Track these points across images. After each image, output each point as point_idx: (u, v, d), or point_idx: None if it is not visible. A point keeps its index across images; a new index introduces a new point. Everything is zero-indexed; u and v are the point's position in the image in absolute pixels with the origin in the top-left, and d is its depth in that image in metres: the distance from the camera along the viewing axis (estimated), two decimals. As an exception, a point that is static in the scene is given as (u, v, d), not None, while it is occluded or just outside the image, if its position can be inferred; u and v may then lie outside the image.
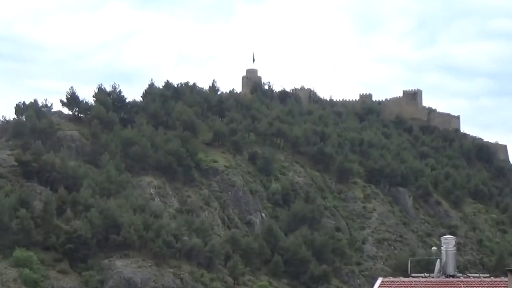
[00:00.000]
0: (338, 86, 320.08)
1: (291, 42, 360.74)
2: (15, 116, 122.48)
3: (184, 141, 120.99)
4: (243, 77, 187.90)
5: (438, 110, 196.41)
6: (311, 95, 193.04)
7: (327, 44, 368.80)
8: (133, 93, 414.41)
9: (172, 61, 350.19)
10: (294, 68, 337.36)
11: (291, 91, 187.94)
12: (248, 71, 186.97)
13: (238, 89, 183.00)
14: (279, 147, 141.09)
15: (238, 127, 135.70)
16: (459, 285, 28.66)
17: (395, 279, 29.82)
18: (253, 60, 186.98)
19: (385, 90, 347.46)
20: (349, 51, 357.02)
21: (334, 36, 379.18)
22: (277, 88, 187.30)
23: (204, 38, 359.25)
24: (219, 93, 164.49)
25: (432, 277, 29.97)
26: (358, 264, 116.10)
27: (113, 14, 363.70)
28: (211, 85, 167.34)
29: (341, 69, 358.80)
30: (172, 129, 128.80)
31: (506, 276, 27.67)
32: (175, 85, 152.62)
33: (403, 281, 29.26)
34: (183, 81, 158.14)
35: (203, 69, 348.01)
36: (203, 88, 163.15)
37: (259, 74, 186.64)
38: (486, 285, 28.96)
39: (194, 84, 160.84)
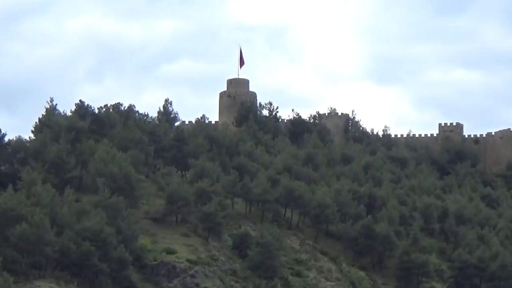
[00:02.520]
0: (397, 110, 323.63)
1: (308, 30, 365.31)
2: None
3: (112, 213, 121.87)
4: (221, 95, 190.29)
5: None
6: (349, 127, 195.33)
7: (375, 34, 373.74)
8: (17, 126, 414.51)
9: (89, 66, 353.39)
10: (315, 78, 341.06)
11: (311, 120, 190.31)
12: (232, 83, 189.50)
13: (214, 116, 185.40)
14: (290, 225, 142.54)
15: (213, 188, 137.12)
16: None
17: None
18: (241, 64, 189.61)
19: (485, 118, 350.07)
20: (416, 47, 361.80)
21: (387, 19, 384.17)
22: (285, 114, 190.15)
23: (148, 25, 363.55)
24: (177, 124, 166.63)
25: None
26: None
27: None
28: (161, 109, 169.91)
29: (402, 79, 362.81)
30: (91, 191, 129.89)
31: None
32: (96, 110, 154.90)
33: None
34: (110, 103, 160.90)
35: (146, 80, 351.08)
36: (147, 115, 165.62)
37: (251, 88, 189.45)
38: None
39: (130, 107, 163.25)
